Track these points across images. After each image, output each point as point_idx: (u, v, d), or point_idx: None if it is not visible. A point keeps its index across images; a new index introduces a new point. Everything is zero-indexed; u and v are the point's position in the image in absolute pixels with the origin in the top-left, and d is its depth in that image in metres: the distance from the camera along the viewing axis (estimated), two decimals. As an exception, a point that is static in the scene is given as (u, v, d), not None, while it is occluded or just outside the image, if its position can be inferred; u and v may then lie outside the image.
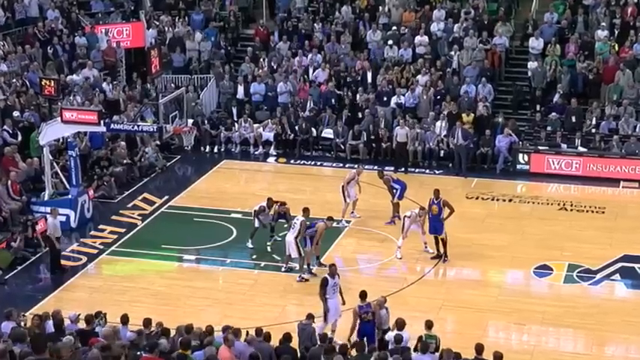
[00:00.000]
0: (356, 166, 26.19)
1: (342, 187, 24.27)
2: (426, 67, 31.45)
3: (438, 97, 30.46)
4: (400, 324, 16.04)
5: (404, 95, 30.57)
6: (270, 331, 15.61)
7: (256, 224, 22.82)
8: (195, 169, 29.52)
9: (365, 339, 16.44)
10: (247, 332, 15.53)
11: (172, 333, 15.14)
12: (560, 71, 30.64)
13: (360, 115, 30.59)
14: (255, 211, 22.88)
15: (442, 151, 29.17)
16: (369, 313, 16.86)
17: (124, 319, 15.73)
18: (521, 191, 27.45)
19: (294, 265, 21.51)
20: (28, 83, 28.88)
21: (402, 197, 24.26)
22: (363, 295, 17.18)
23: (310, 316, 16.66)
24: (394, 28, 32.97)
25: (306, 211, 21.55)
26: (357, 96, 31.10)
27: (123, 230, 24.15)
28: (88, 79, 30.03)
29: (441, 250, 22.07)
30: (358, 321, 16.95)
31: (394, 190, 24.23)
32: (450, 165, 28.98)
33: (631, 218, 25.00)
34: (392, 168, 28.22)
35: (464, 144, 28.52)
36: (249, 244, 22.81)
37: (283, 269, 21.60)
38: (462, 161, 28.44)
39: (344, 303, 18.11)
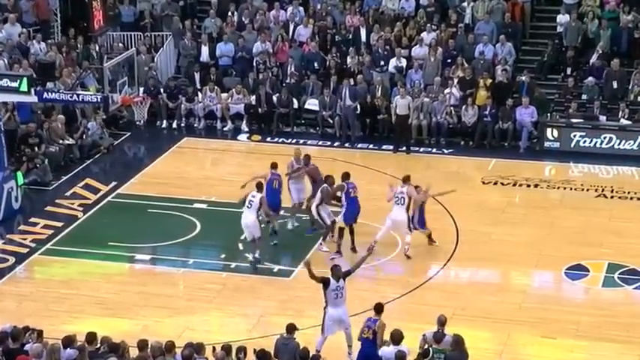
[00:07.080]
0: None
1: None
2: (433, 22, 31.48)
3: (448, 59, 30.53)
4: (397, 337, 15.91)
5: (405, 57, 30.62)
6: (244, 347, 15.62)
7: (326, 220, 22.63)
8: (150, 148, 29.54)
9: None
10: (214, 348, 15.57)
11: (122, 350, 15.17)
12: (599, 26, 30.74)
13: (351, 81, 30.63)
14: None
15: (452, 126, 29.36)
16: (371, 329, 16.51)
17: (66, 342, 15.50)
18: (550, 174, 27.57)
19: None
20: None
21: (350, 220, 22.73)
22: (377, 308, 16.94)
23: (292, 329, 16.65)
24: (393, -27, 33.04)
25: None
26: (348, 58, 31.12)
27: (60, 224, 24.15)
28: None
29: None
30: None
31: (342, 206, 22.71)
32: (462, 142, 29.13)
33: (685, 207, 25.19)
34: (391, 147, 28.33)
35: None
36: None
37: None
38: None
39: None
